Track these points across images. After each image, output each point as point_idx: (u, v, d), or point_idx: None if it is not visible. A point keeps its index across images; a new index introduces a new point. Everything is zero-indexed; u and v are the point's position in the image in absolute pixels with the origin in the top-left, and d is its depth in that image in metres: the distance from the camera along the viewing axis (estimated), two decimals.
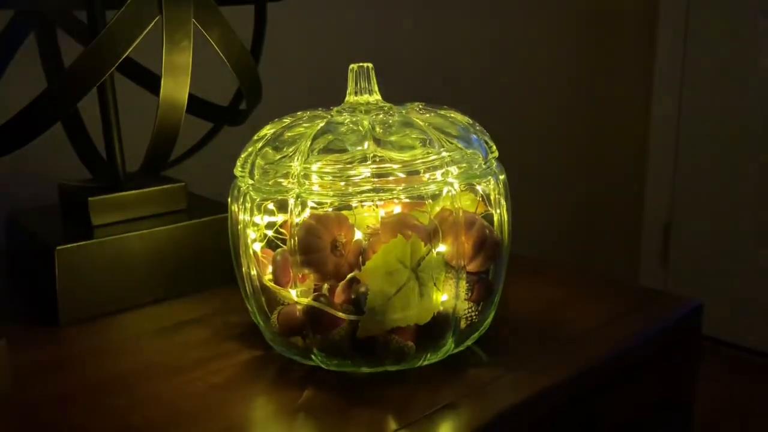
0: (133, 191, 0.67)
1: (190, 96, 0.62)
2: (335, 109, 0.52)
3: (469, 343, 0.51)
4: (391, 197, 0.47)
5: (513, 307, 0.58)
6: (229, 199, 0.52)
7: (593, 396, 0.53)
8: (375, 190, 0.46)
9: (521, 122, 1.58)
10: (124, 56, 0.55)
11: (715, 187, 1.80)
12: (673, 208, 1.88)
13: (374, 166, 0.46)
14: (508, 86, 1.53)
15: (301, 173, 0.46)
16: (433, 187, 0.46)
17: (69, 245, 0.59)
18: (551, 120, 1.67)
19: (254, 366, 0.51)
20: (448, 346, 0.49)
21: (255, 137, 0.52)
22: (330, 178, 0.46)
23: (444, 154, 0.47)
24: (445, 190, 0.46)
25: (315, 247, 0.46)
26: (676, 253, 1.89)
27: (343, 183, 0.46)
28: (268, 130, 0.51)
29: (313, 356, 0.48)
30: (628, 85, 1.85)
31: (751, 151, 1.73)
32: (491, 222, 0.50)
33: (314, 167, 0.46)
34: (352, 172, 0.46)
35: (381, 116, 0.50)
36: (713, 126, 1.78)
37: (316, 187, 0.46)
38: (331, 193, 0.46)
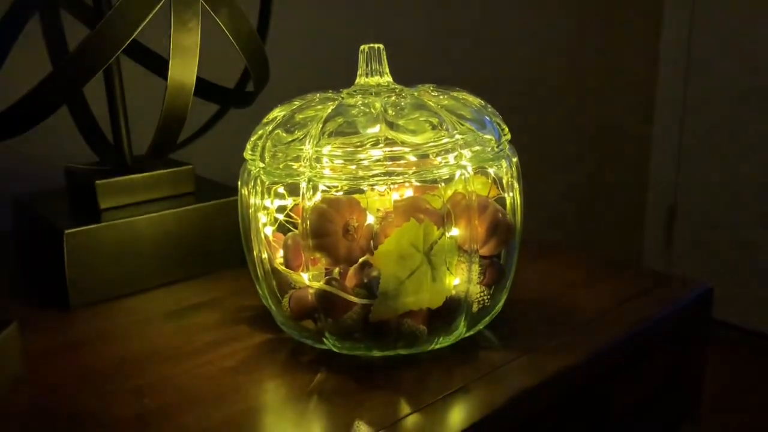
0: (141, 174, 0.66)
1: (196, 78, 0.61)
2: (346, 91, 0.51)
3: (481, 326, 0.51)
4: (403, 181, 0.46)
5: (524, 291, 0.58)
6: (239, 183, 0.51)
7: (604, 379, 0.53)
8: (387, 173, 0.45)
9: (523, 103, 1.57)
10: (132, 37, 0.55)
11: (720, 169, 1.79)
12: (678, 190, 1.87)
13: (386, 149, 0.45)
14: (511, 68, 1.52)
15: (313, 156, 0.46)
16: (445, 171, 0.46)
17: (77, 228, 0.59)
18: (555, 102, 1.66)
19: (265, 349, 0.51)
20: (460, 330, 0.49)
21: (265, 120, 0.51)
22: (341, 161, 0.46)
23: (457, 136, 0.46)
24: (457, 173, 0.46)
25: (327, 231, 0.46)
26: (680, 235, 1.89)
27: (354, 166, 0.45)
28: (278, 113, 0.51)
29: (325, 340, 0.48)
30: (633, 64, 1.83)
31: (756, 134, 1.72)
32: (504, 205, 0.50)
33: (325, 150, 0.46)
34: (363, 156, 0.45)
35: (393, 98, 0.49)
36: (718, 107, 1.77)
37: (327, 171, 0.46)
38: (343, 176, 0.46)
